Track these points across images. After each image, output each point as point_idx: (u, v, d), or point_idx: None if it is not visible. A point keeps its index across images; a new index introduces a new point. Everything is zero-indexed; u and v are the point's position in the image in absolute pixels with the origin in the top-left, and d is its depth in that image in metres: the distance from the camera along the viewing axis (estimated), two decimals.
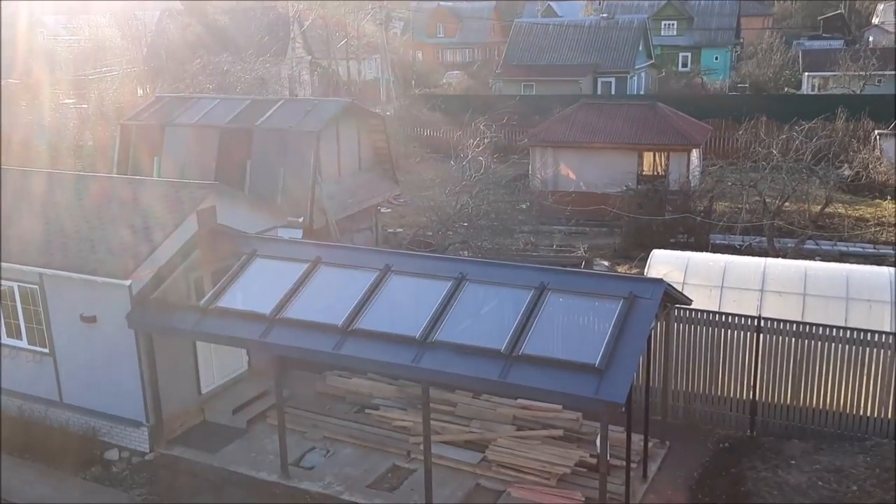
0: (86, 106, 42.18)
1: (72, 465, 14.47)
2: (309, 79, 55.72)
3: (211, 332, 13.85)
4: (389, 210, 30.40)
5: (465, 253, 21.72)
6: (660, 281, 12.50)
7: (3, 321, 15.66)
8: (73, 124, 36.84)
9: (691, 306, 14.53)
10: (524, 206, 28.53)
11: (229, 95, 27.50)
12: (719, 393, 15.10)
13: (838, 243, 25.76)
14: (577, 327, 12.36)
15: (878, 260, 23.02)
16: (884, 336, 13.85)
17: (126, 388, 14.64)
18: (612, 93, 55.99)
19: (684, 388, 15.28)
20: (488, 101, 49.13)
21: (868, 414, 14.09)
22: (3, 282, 15.31)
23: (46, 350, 15.32)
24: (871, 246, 26.20)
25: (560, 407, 14.80)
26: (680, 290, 14.34)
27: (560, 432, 14.31)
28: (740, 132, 33.94)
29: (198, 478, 14.17)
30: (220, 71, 36.67)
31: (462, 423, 14.94)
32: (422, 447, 13.88)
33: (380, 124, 23.53)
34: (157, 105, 23.73)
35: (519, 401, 15.16)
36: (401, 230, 28.29)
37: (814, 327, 14.29)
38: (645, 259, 17.22)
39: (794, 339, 14.38)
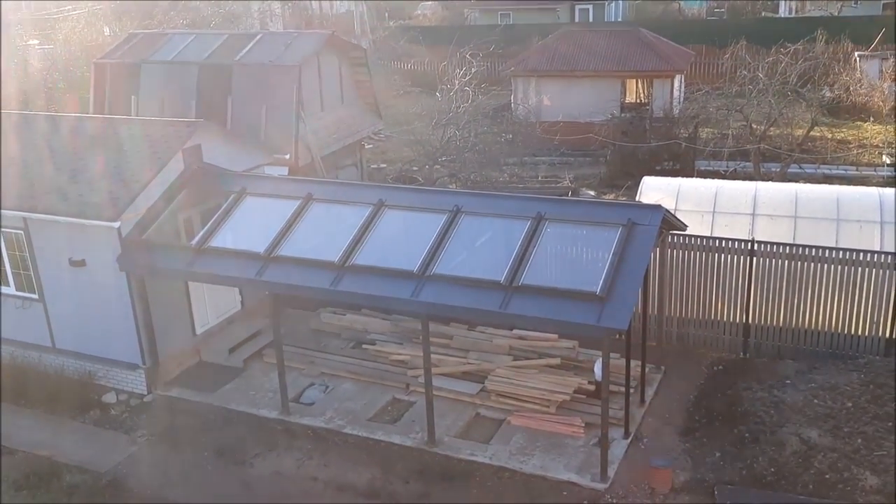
0: (51, 46, 40.84)
1: (69, 409, 14.42)
2: (280, 13, 54.23)
3: (205, 271, 13.68)
4: (371, 146, 30.00)
5: (454, 186, 21.54)
6: (658, 207, 12.46)
7: None
8: (41, 65, 35.69)
9: (685, 232, 14.54)
10: (508, 138, 28.27)
11: (204, 31, 26.67)
12: (713, 317, 15.25)
13: (821, 166, 25.84)
14: (576, 256, 12.34)
15: (862, 181, 23.16)
16: (875, 255, 13.99)
17: (120, 331, 14.51)
18: (590, 20, 55.10)
19: (678, 314, 15.42)
20: (467, 31, 48.22)
21: (860, 333, 14.32)
22: None
23: (35, 296, 15.09)
24: (854, 168, 26.34)
25: (556, 336, 14.92)
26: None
27: (557, 361, 14.43)
28: (726, 56, 33.59)
29: (198, 417, 14.19)
30: (191, 7, 35.49)
31: (459, 356, 15.01)
32: (420, 380, 14.03)
33: (361, 57, 22.99)
34: (131, 42, 22.97)
35: (515, 331, 15.25)
36: (385, 165, 27.99)
37: (806, 249, 14.39)
38: (631, 188, 17.21)
39: (786, 262, 14.49)
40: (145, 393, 14.79)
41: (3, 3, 38.77)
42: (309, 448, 13.16)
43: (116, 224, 13.71)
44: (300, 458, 12.94)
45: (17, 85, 30.97)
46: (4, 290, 15.37)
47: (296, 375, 14.97)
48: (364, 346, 15.87)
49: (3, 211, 14.50)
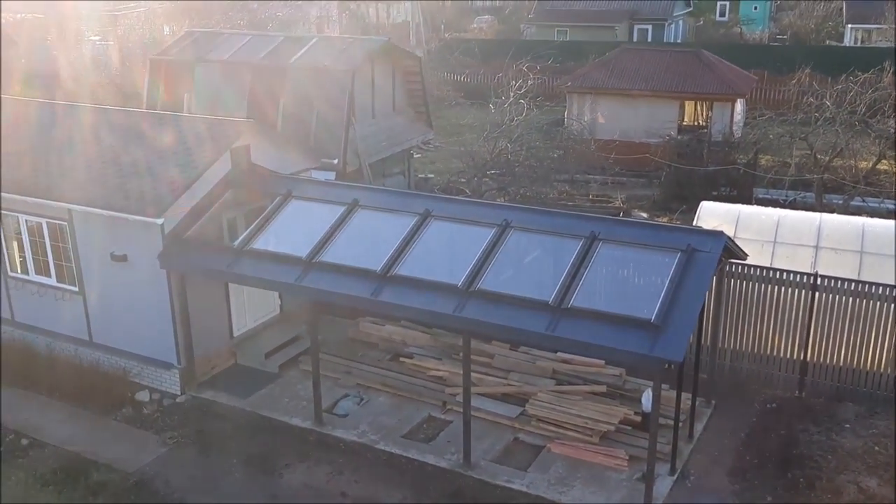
0: (112, 42, 41.53)
1: (102, 405, 14.24)
2: (337, 19, 54.54)
3: (245, 274, 13.40)
4: (419, 155, 29.67)
5: (502, 200, 21.04)
6: (720, 234, 11.83)
7: (30, 257, 15.34)
8: (100, 60, 36.25)
9: (745, 262, 13.86)
10: (557, 155, 27.68)
11: (260, 32, 26.67)
12: (768, 352, 14.51)
13: (885, 200, 24.78)
14: (630, 281, 11.74)
15: None
16: None
17: (157, 330, 14.29)
18: (649, 40, 54.37)
19: (732, 347, 14.71)
20: (523, 46, 47.81)
21: None
22: (32, 217, 14.91)
23: (76, 288, 14.97)
24: None
25: (602, 362, 14.32)
26: None
27: (603, 388, 13.84)
28: (793, 82, 32.60)
29: (230, 422, 13.89)
30: (250, 9, 35.72)
31: (499, 376, 14.50)
32: (458, 398, 13.57)
33: (415, 65, 22.68)
34: (188, 40, 23.00)
35: (559, 354, 14.69)
36: (432, 176, 27.61)
37: (872, 286, 13.60)
38: (686, 212, 16.55)
39: (851, 299, 13.71)
40: (178, 393, 14.54)
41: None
42: (340, 462, 12.75)
43: (160, 220, 13.50)
44: (330, 471, 12.53)
45: (75, 78, 31.42)
46: (45, 280, 15.29)
47: (330, 385, 14.60)
48: (402, 358, 15.45)
49: (48, 201, 14.40)
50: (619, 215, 23.21)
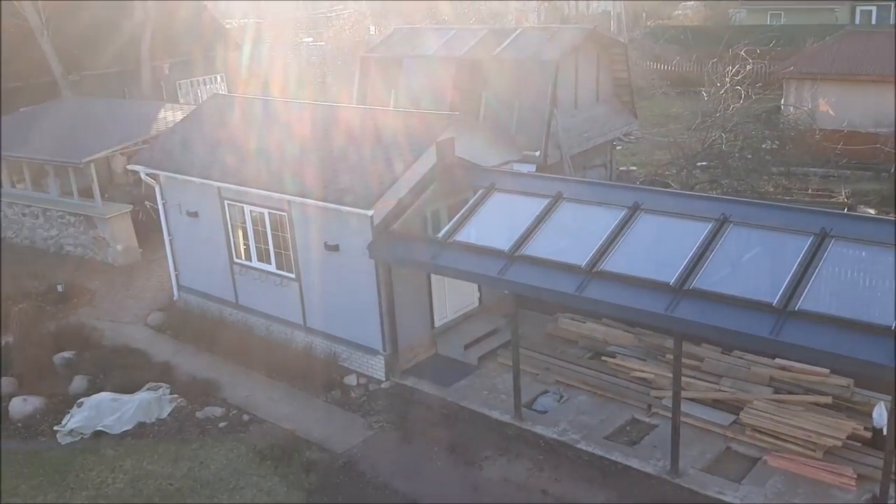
0: (323, 43, 43.90)
1: (313, 386, 14.94)
2: (535, 12, 54.32)
3: (449, 265, 13.51)
4: (619, 147, 28.81)
5: (714, 193, 19.87)
6: None
7: (253, 246, 16.40)
8: (314, 60, 38.36)
9: None
10: (771, 146, 25.79)
11: (464, 26, 27.01)
12: None
13: None
14: (866, 283, 10.56)
15: None
16: None
17: (365, 317, 14.79)
18: (873, 23, 49.52)
19: None
20: (734, 31, 45.18)
21: None
22: (255, 208, 15.92)
23: (293, 275, 15.82)
24: None
25: (827, 371, 13.09)
26: None
27: (828, 399, 12.65)
28: None
29: (431, 410, 14.10)
30: (453, 6, 36.32)
31: (710, 380, 13.67)
32: (664, 401, 12.94)
33: (622, 53, 22.01)
34: (395, 37, 23.72)
35: (777, 360, 13.61)
36: (634, 168, 26.70)
37: None
38: None
39: None
40: (383, 379, 14.98)
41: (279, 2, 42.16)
42: (540, 458, 12.55)
43: (370, 212, 13.92)
44: (530, 467, 12.36)
45: (292, 76, 33.45)
46: (266, 267, 16.28)
47: (529, 380, 14.42)
48: (603, 357, 14.97)
49: (271, 192, 15.29)
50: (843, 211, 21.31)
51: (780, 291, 10.44)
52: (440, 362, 15.45)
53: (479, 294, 16.55)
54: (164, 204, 17.99)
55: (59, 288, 19.30)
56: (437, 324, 15.80)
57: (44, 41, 28.28)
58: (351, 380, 15.12)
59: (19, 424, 14.37)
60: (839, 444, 11.74)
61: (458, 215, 14.24)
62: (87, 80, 29.91)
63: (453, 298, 16.00)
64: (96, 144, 21.19)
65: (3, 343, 16.46)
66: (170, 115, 22.70)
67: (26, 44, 28.58)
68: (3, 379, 15.41)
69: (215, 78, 34.31)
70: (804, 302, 10.27)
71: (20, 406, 14.64)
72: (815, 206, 20.98)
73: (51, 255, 22.40)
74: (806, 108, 27.36)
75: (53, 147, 21.65)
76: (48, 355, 15.97)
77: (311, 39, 46.40)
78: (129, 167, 18.74)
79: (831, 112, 27.28)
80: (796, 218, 11.64)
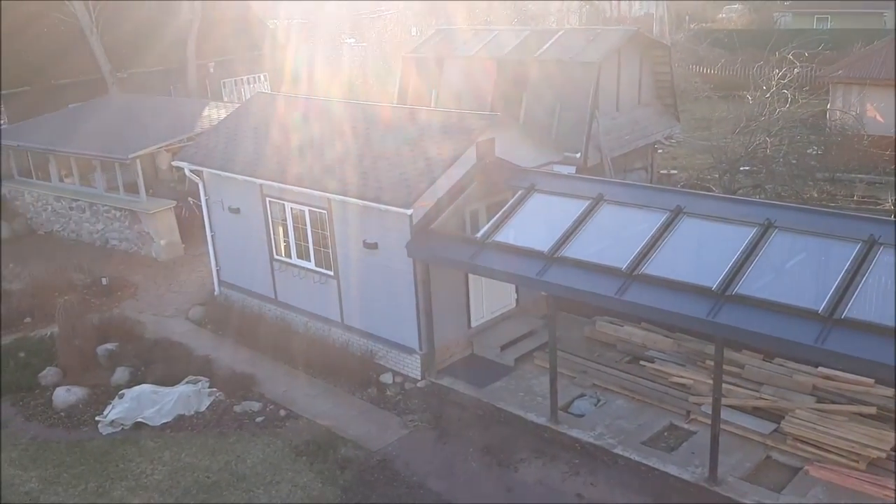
0: (365, 44, 44.17)
1: (350, 383, 15.02)
2: (577, 14, 54.04)
3: (487, 266, 13.48)
4: (660, 150, 28.48)
5: (759, 198, 19.56)
6: None
7: (293, 243, 16.54)
8: (356, 60, 38.59)
9: None
10: (816, 151, 25.29)
11: (506, 27, 26.96)
12: None
13: None
14: None
15: None
16: None
17: (402, 316, 14.83)
18: None
19: None
20: (780, 35, 44.48)
21: None
22: (296, 205, 16.05)
23: (331, 273, 15.92)
24: None
25: (872, 381, 12.81)
26: None
27: (873, 410, 12.37)
28: None
29: (466, 410, 14.09)
30: (494, 7, 36.28)
31: (750, 388, 13.45)
32: (704, 408, 12.77)
33: (665, 55, 21.78)
34: (437, 38, 23.75)
35: (820, 369, 13.35)
36: (675, 172, 26.39)
37: None
38: None
39: None
40: (419, 378, 14.99)
41: (320, 3, 42.54)
42: (576, 462, 12.46)
43: (409, 211, 13.95)
44: (566, 471, 12.28)
45: (334, 76, 33.69)
46: (305, 264, 16.41)
47: (566, 383, 14.33)
48: (641, 362, 14.83)
49: (312, 190, 15.40)
50: None
51: (826, 299, 10.24)
52: (476, 363, 15.43)
53: (516, 295, 16.51)
54: (206, 200, 18.25)
55: (104, 281, 19.69)
56: (474, 324, 15.77)
57: (93, 39, 28.92)
58: (387, 378, 15.16)
59: (62, 414, 14.67)
60: (883, 455, 11.49)
61: (497, 215, 14.21)
62: (134, 77, 30.50)
63: (490, 299, 15.96)
64: (142, 141, 21.60)
65: (48, 334, 16.81)
66: (214, 113, 23.03)
67: (76, 42, 29.22)
68: (49, 369, 15.76)
69: (259, 77, 34.74)
70: (851, 310, 10.06)
71: (64, 396, 14.95)
72: (861, 213, 20.62)
73: (96, 249, 22.87)
74: (853, 113, 26.82)
75: (100, 143, 22.10)
76: (92, 347, 16.28)
77: (353, 40, 46.70)
78: (174, 163, 19.04)
79: (879, 118, 26.73)
80: (843, 224, 11.41)
